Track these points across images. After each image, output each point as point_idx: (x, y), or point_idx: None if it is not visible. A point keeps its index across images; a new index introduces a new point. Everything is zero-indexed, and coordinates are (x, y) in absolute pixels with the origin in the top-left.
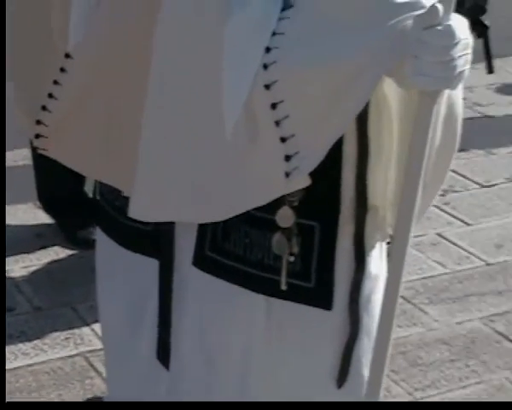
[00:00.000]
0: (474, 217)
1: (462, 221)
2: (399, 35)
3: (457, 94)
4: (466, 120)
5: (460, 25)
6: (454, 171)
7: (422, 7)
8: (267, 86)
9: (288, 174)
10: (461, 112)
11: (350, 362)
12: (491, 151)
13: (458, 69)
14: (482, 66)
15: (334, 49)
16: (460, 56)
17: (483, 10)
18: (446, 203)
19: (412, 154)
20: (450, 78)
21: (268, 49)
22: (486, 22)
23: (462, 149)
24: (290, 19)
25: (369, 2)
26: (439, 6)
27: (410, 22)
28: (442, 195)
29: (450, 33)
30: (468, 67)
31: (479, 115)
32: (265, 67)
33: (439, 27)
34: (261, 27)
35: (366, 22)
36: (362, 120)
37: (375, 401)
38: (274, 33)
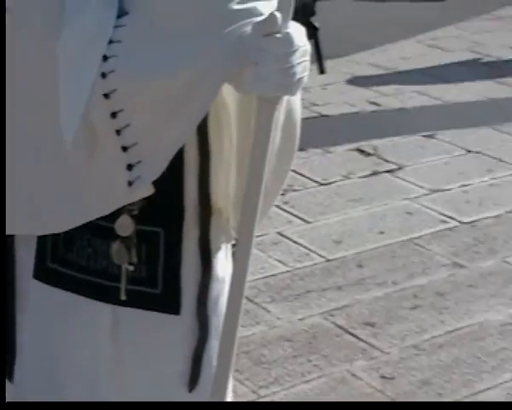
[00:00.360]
0: (313, 215)
1: (302, 219)
2: (238, 42)
3: (296, 100)
4: (303, 119)
5: (298, 32)
6: (293, 170)
7: (260, 14)
8: (106, 95)
9: (130, 183)
10: (299, 117)
11: (200, 366)
12: (328, 150)
13: (297, 76)
14: (315, 67)
15: (172, 57)
16: (299, 63)
17: (312, 12)
18: (286, 202)
19: (254, 158)
20: (289, 84)
21: (105, 58)
22: (316, 24)
23: (300, 149)
24: (127, 26)
25: (206, 8)
26: (278, 14)
27: (248, 29)
28: (282, 194)
29: (288, 41)
30: (306, 73)
31: (315, 115)
32: (104, 75)
33: (278, 35)
34: (97, 36)
35: (204, 29)
36: (202, 126)
37: (221, 402)
38: (111, 41)
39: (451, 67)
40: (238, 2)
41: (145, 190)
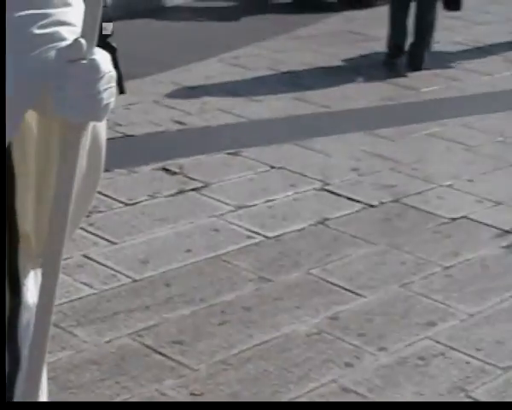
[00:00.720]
0: (120, 235)
1: (108, 240)
2: (42, 67)
3: (101, 125)
4: (108, 140)
5: (104, 59)
6: (98, 191)
7: (63, 39)
8: None
9: None
10: (104, 142)
11: (12, 395)
12: (133, 170)
13: (104, 102)
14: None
15: None
16: (105, 89)
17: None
18: (91, 224)
19: (60, 183)
20: (96, 110)
21: None
22: (114, 44)
23: (105, 170)
24: None
25: (7, 31)
26: (82, 41)
27: (52, 54)
28: (87, 216)
29: (94, 67)
30: (113, 99)
31: (119, 135)
32: None
33: (84, 61)
34: None
35: (7, 51)
36: (6, 151)
37: None
38: None
39: (253, 85)
40: (39, 27)
41: None
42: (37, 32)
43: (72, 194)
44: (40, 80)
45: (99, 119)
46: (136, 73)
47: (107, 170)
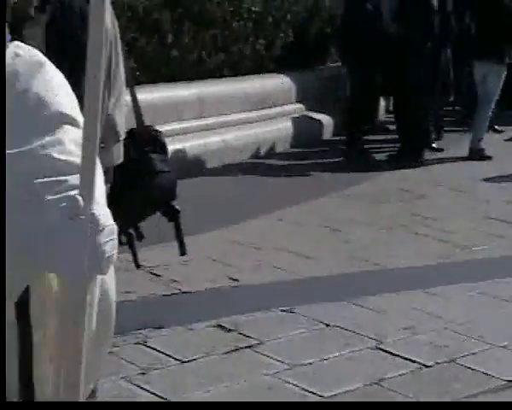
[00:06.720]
0: (175, 393)
1: (162, 397)
2: (47, 232)
3: (110, 282)
4: (164, 296)
5: (104, 212)
6: (153, 347)
7: (73, 187)
8: None
9: None
10: (114, 299)
11: None
12: (188, 326)
13: (106, 255)
14: (174, 244)
15: None
16: (106, 242)
17: (173, 196)
18: (148, 382)
19: (69, 341)
20: (98, 264)
21: None
22: (177, 207)
23: (160, 326)
24: None
25: (14, 196)
26: (79, 197)
27: (55, 212)
28: (142, 373)
29: (93, 222)
30: (115, 251)
31: (175, 291)
32: None
33: (82, 217)
34: None
35: (15, 216)
36: (23, 309)
37: None
38: None
39: (306, 242)
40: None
41: None
42: (43, 180)
43: (83, 350)
44: (44, 247)
45: (102, 272)
46: (193, 229)
47: (161, 326)
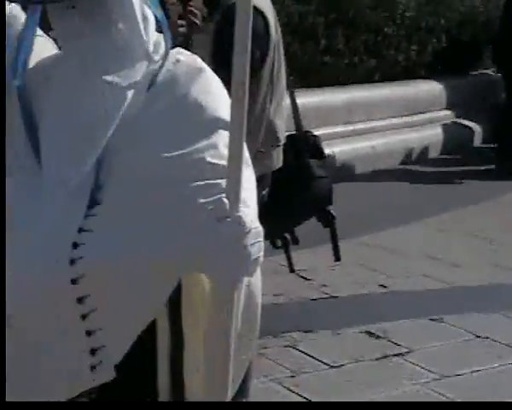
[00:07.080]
0: (325, 398)
1: (310, 401)
2: (198, 231)
3: (256, 283)
4: (312, 300)
5: (250, 214)
6: (302, 351)
7: (221, 192)
8: (74, 281)
9: (93, 367)
10: (260, 301)
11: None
12: (337, 331)
13: (253, 256)
14: (324, 248)
15: (141, 244)
16: (253, 244)
17: (330, 201)
18: (296, 385)
19: (216, 343)
20: (245, 265)
21: (75, 245)
22: (333, 213)
23: (308, 330)
24: (97, 216)
25: (167, 198)
26: (225, 200)
27: (204, 215)
28: (292, 376)
29: (240, 223)
30: (261, 253)
31: (324, 296)
32: (72, 262)
33: (229, 219)
34: (65, 225)
35: (168, 219)
36: (175, 310)
37: None
38: (81, 230)
39: (456, 251)
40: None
41: (107, 374)
42: (196, 184)
43: (230, 355)
44: (196, 245)
45: (248, 273)
46: (341, 234)
47: (310, 330)
